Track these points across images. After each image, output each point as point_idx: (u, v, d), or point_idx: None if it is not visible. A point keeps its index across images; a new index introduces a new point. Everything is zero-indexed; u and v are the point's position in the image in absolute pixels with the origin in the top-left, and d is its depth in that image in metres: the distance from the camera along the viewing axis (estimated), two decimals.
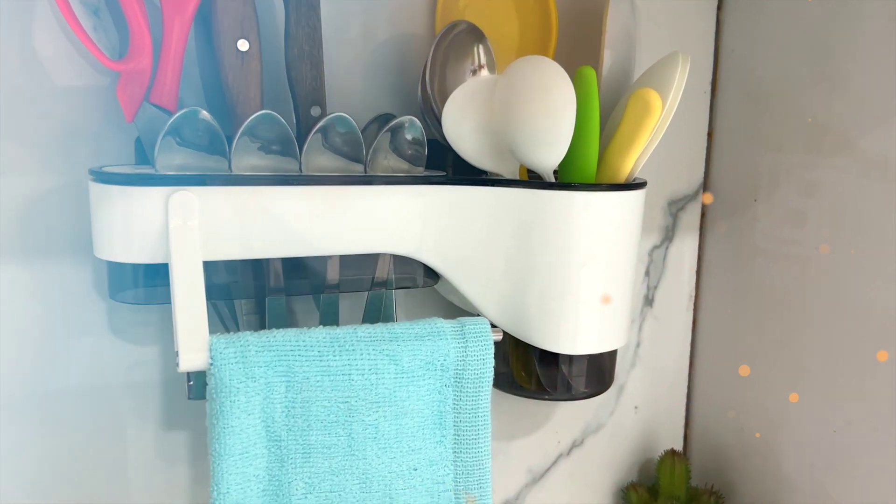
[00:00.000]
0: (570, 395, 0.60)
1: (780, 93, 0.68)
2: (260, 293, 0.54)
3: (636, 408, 0.77)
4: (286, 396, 0.46)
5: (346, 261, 0.55)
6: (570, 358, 0.59)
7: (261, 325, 0.55)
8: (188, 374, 0.52)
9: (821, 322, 0.66)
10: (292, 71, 0.53)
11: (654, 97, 0.53)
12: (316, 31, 0.53)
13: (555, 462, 0.74)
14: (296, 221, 0.50)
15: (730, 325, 0.75)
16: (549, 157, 0.53)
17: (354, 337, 0.48)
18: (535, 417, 0.72)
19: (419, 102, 0.58)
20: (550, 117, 0.51)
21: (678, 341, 0.78)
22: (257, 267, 0.53)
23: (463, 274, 0.56)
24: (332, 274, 0.54)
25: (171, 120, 0.47)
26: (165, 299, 0.51)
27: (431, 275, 0.58)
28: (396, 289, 0.57)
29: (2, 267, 0.52)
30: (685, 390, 0.80)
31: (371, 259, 0.56)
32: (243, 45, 0.52)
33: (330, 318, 0.55)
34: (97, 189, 0.48)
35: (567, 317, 0.56)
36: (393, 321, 0.58)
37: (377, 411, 0.49)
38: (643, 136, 0.54)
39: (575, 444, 0.74)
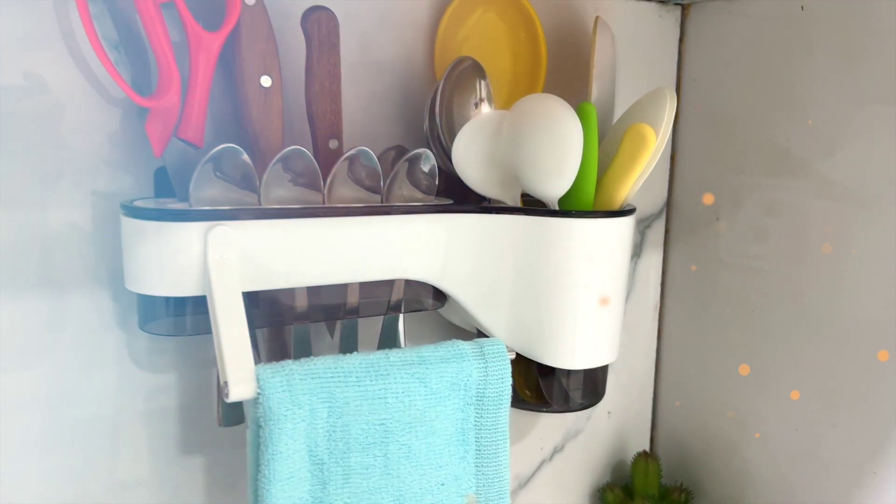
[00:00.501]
0: (567, 406, 0.64)
1: (741, 119, 0.75)
2: (280, 321, 0.56)
3: (609, 413, 0.82)
4: (328, 421, 0.49)
5: (364, 287, 0.57)
6: (568, 372, 0.63)
7: (281, 351, 0.57)
8: (220, 401, 0.53)
9: (780, 330, 0.72)
10: (313, 106, 0.55)
11: (649, 132, 0.58)
12: (336, 68, 0.55)
13: (538, 468, 0.78)
14: (326, 251, 0.53)
15: (692, 333, 0.81)
16: (556, 188, 0.57)
17: (387, 362, 0.51)
18: (521, 427, 0.76)
19: (426, 132, 0.61)
20: (559, 151, 0.55)
21: (645, 349, 0.84)
22: (279, 295, 0.55)
23: (472, 296, 0.59)
24: (352, 300, 0.57)
25: (209, 155, 0.48)
26: (194, 330, 0.52)
27: (439, 297, 0.61)
28: (407, 312, 0.60)
29: (25, 300, 0.52)
30: (651, 395, 0.85)
31: (385, 284, 0.58)
32: (266, 81, 0.54)
33: (349, 343, 0.58)
34: (131, 224, 0.49)
35: (567, 335, 0.60)
36: (401, 344, 0.61)
37: (410, 431, 0.51)
38: (638, 167, 0.59)
39: (556, 450, 0.79)
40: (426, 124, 0.61)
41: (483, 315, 0.60)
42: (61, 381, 0.54)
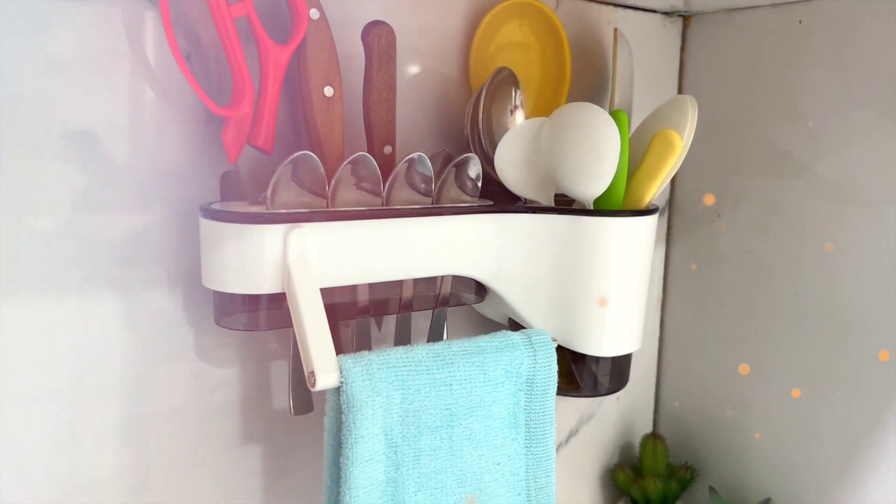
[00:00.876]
0: (596, 391, 0.69)
1: (740, 123, 0.81)
2: (344, 316, 0.59)
3: (618, 398, 0.88)
4: (401, 407, 0.52)
5: (416, 283, 0.61)
6: (598, 360, 0.68)
7: (336, 345, 0.60)
8: (292, 391, 0.57)
9: (779, 323, 0.78)
10: (371, 114, 0.59)
11: (676, 137, 0.63)
12: (392, 79, 0.59)
13: (557, 451, 0.83)
14: (390, 249, 0.56)
15: (692, 324, 0.87)
16: (594, 189, 0.61)
17: (450, 352, 0.55)
18: None
19: (466, 137, 0.65)
20: (598, 155, 0.60)
21: (649, 337, 0.89)
22: (341, 292, 0.59)
23: (516, 290, 0.64)
24: (407, 295, 0.60)
25: (287, 161, 0.52)
26: (268, 325, 0.56)
27: (478, 292, 0.66)
28: (452, 306, 0.64)
29: (103, 299, 0.54)
30: (655, 379, 0.91)
31: (432, 281, 0.62)
32: (329, 91, 0.57)
33: (403, 335, 0.62)
34: (212, 226, 0.52)
35: (600, 324, 0.65)
36: (444, 336, 0.65)
37: (471, 416, 0.56)
38: (665, 170, 0.64)
39: (572, 433, 0.84)
40: (467, 129, 0.65)
41: (524, 308, 0.64)
42: (137, 376, 0.56)
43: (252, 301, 0.55)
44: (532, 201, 0.65)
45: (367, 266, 0.56)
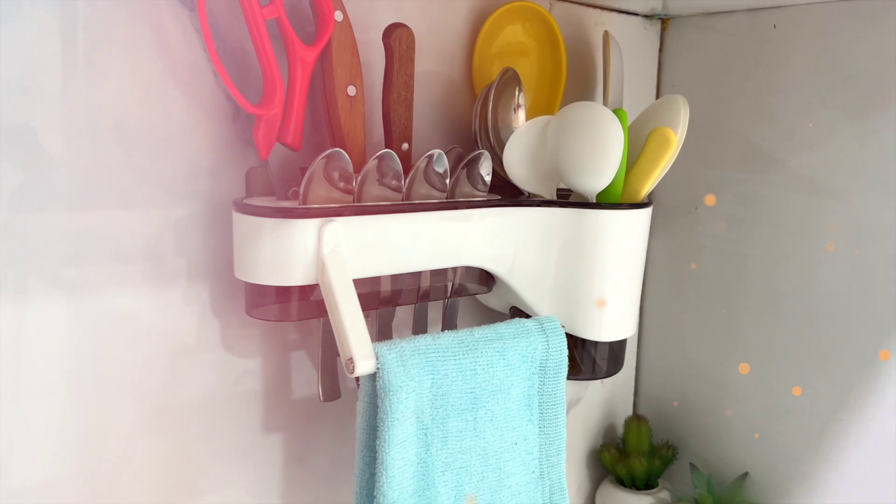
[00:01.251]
0: (594, 374, 0.73)
1: (717, 122, 0.86)
2: (368, 305, 0.61)
3: (602, 383, 0.92)
4: (431, 391, 0.55)
5: (432, 275, 0.64)
6: (596, 344, 0.72)
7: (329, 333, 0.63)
8: (321, 379, 0.59)
9: (753, 303, 0.84)
10: (391, 112, 0.61)
11: (672, 135, 0.67)
12: (411, 79, 0.62)
13: None
14: (415, 241, 0.59)
15: (670, 309, 0.92)
16: (597, 183, 0.65)
17: (472, 339, 0.58)
18: None
19: (474, 134, 0.68)
20: (603, 151, 0.64)
21: None
22: (366, 283, 0.61)
23: (524, 280, 0.67)
24: (425, 285, 0.63)
25: (321, 158, 0.54)
26: (298, 316, 0.58)
27: (484, 282, 0.69)
28: (463, 296, 0.67)
29: (135, 293, 0.55)
30: (635, 364, 0.96)
31: (443, 272, 0.65)
32: (352, 90, 0.59)
33: (420, 324, 0.64)
34: (247, 220, 0.54)
35: (600, 311, 0.68)
36: (455, 325, 0.68)
37: (492, 398, 0.59)
38: (661, 165, 0.68)
39: None
40: (475, 126, 0.68)
41: (531, 296, 0.68)
42: (166, 367, 0.58)
43: (283, 293, 0.57)
44: (535, 195, 0.69)
45: (392, 258, 0.59)
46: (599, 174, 0.65)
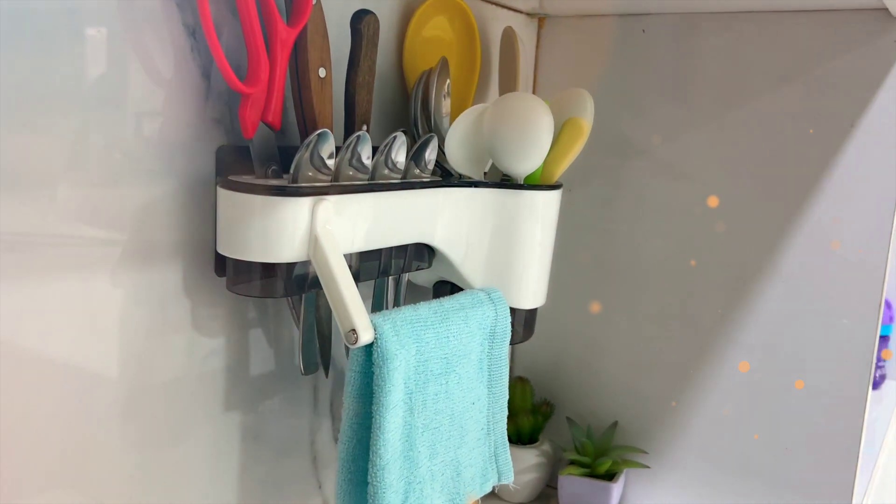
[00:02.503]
0: (513, 340, 0.80)
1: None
2: None
3: None
4: (416, 358, 0.59)
5: (393, 251, 0.67)
6: (515, 312, 0.79)
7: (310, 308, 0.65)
8: (302, 353, 0.61)
9: (622, 276, 0.96)
10: (355, 95, 0.64)
11: (585, 124, 0.76)
12: (374, 63, 0.64)
13: None
14: (388, 218, 0.62)
15: (553, 282, 1.02)
16: (526, 166, 0.72)
17: (443, 308, 0.63)
18: None
19: (413, 118, 0.72)
20: (534, 137, 0.71)
21: None
22: None
23: (460, 255, 0.73)
24: (385, 262, 0.67)
25: (311, 138, 0.56)
26: (284, 293, 0.59)
27: (426, 259, 0.73)
28: (413, 271, 0.71)
29: (112, 273, 0.54)
30: None
31: (405, 248, 0.69)
32: (322, 72, 0.61)
33: (379, 300, 0.68)
34: (238, 198, 0.55)
35: (525, 281, 0.76)
36: (402, 299, 0.73)
37: (460, 363, 0.64)
38: (574, 152, 0.77)
39: None
40: (416, 111, 0.72)
41: (466, 269, 0.73)
42: (141, 349, 0.56)
43: (269, 269, 0.58)
44: (466, 177, 0.74)
45: (368, 235, 0.61)
46: (530, 158, 0.72)
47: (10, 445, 0.49)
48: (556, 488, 0.98)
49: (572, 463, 0.95)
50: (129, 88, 0.53)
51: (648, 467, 0.96)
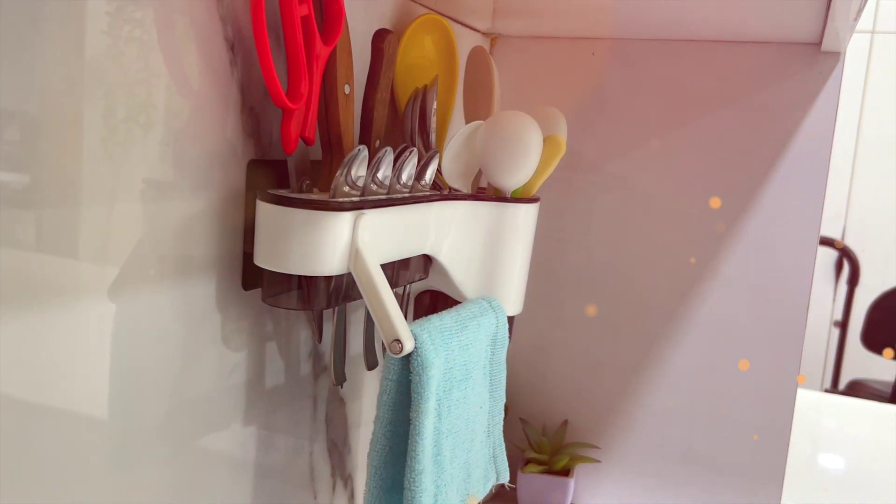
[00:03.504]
0: None
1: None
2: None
3: None
4: (444, 366, 0.62)
5: (406, 263, 0.69)
6: None
7: (340, 321, 0.66)
8: (334, 364, 0.62)
9: (570, 284, 1.02)
10: (374, 111, 0.66)
11: (563, 141, 0.81)
12: (391, 81, 0.66)
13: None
14: (407, 232, 0.64)
15: None
16: (516, 180, 0.76)
17: (461, 318, 0.66)
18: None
19: (410, 133, 0.75)
20: (525, 154, 0.75)
21: None
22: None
23: (456, 265, 0.76)
24: (395, 273, 0.69)
25: (353, 153, 0.57)
26: (318, 305, 0.60)
27: (425, 270, 0.76)
28: (418, 281, 0.73)
29: (149, 289, 0.53)
30: None
31: (407, 261, 0.71)
32: (347, 89, 0.63)
33: None
34: (277, 211, 0.55)
35: (510, 288, 0.80)
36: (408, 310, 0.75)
37: (475, 369, 0.67)
38: (552, 167, 0.82)
39: None
40: (414, 126, 0.74)
41: (462, 280, 0.77)
42: (180, 366, 0.56)
43: (307, 281, 0.59)
44: (455, 190, 0.78)
45: (393, 247, 0.63)
46: (521, 173, 0.76)
47: (55, 457, 0.48)
48: (513, 487, 1.02)
49: (530, 461, 1.00)
50: (169, 102, 0.52)
51: (599, 461, 1.02)
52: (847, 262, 2.66)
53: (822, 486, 1.24)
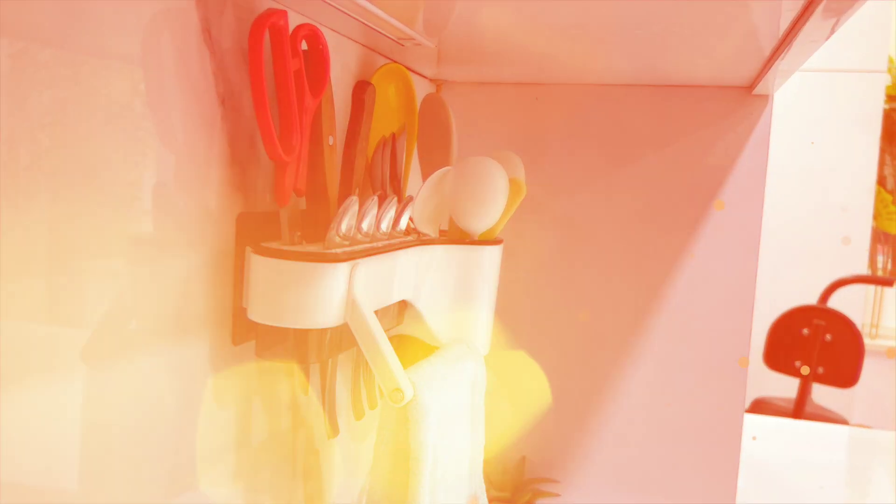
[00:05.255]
0: None
1: None
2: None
3: None
4: (435, 409, 0.62)
5: (389, 310, 0.70)
6: None
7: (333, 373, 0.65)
8: (329, 417, 0.61)
9: (520, 324, 1.05)
10: (354, 160, 0.67)
11: (524, 185, 0.83)
12: (369, 131, 0.67)
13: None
14: (392, 279, 0.65)
15: None
16: (483, 224, 0.78)
17: (447, 362, 0.66)
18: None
19: (382, 180, 0.75)
20: (492, 198, 0.77)
21: None
22: None
23: (430, 308, 0.76)
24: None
25: (346, 205, 0.57)
26: (315, 358, 0.60)
27: (399, 316, 0.76)
28: (393, 328, 0.74)
29: (148, 346, 0.52)
30: None
31: (386, 308, 0.71)
32: (331, 140, 0.63)
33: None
34: (271, 265, 0.55)
35: (479, 330, 0.81)
36: None
37: (461, 412, 0.68)
38: (513, 209, 0.84)
39: None
40: (384, 173, 0.75)
41: (434, 322, 0.77)
42: (178, 423, 0.54)
43: (301, 334, 0.58)
44: (424, 234, 0.79)
45: (379, 295, 0.64)
46: (489, 217, 0.78)
47: None
48: None
49: (493, 500, 1.01)
50: (159, 159, 0.51)
51: (559, 495, 1.04)
52: None
53: None
